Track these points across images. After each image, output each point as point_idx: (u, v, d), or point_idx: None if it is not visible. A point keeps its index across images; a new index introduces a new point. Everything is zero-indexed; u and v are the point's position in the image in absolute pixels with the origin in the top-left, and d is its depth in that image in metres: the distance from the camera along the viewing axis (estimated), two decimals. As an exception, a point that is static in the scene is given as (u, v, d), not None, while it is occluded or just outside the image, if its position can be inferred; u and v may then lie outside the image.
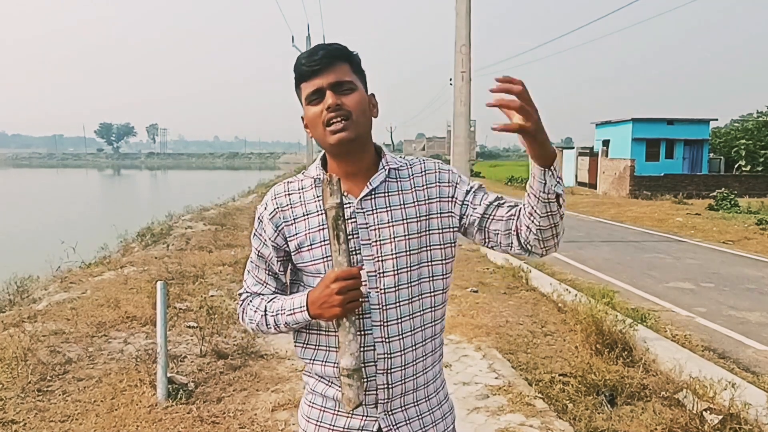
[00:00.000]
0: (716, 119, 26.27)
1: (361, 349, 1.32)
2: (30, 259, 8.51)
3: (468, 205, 1.38)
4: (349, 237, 1.29)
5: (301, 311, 1.31)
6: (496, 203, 1.38)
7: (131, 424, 3.32)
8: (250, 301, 1.44)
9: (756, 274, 8.68)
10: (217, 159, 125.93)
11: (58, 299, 6.06)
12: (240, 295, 1.49)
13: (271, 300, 1.40)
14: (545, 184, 1.21)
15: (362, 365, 1.30)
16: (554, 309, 6.11)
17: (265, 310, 1.38)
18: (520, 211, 1.33)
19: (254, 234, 1.44)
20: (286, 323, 1.35)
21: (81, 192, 38.92)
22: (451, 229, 1.39)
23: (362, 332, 1.32)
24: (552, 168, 1.20)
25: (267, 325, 1.38)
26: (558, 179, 1.22)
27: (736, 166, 27.61)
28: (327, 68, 1.30)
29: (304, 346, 1.42)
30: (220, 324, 5.03)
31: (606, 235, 13.17)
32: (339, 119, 1.28)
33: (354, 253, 1.32)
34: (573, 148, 32.91)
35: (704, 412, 3.32)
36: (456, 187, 1.40)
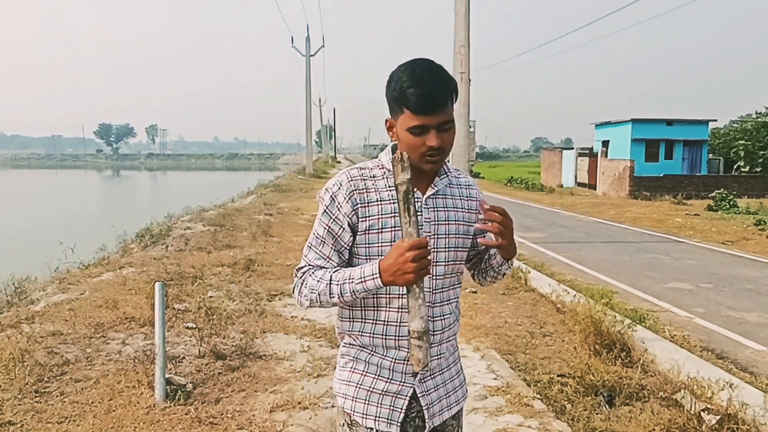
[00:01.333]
0: (715, 120, 26.35)
1: (405, 324, 1.49)
2: (28, 260, 8.50)
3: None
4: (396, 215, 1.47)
5: (373, 278, 1.40)
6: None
7: (129, 426, 3.32)
8: (312, 272, 1.50)
9: (754, 275, 8.69)
10: (216, 160, 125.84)
11: (56, 300, 6.05)
12: (298, 269, 1.54)
13: (336, 270, 1.48)
14: (502, 268, 1.63)
15: (429, 328, 1.44)
16: (553, 310, 6.11)
17: (330, 279, 1.45)
18: (482, 258, 1.71)
19: (324, 212, 1.51)
20: (353, 291, 1.43)
21: (80, 193, 38.90)
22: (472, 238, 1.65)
23: (408, 309, 1.43)
24: (510, 261, 1.60)
25: (331, 294, 1.45)
26: (510, 267, 1.62)
27: (735, 166, 27.64)
28: (440, 111, 1.41)
29: (352, 320, 1.56)
30: (219, 325, 5.03)
31: (605, 235, 13.17)
32: (436, 155, 1.45)
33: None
34: (572, 148, 32.93)
35: (702, 413, 3.32)
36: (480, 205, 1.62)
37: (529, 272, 7.64)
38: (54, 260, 7.94)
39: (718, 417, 3.25)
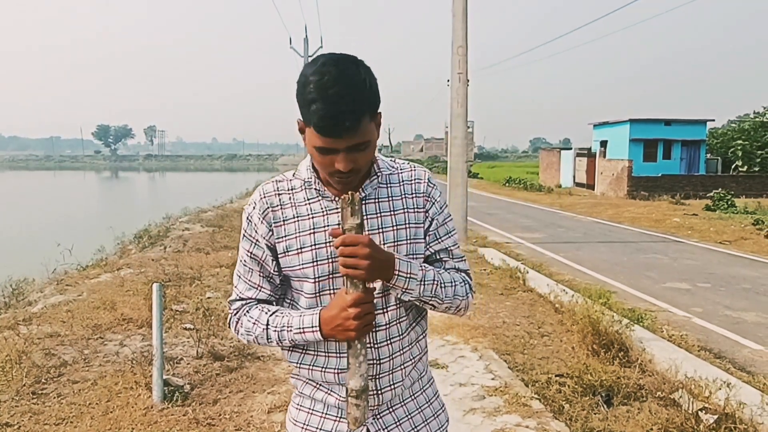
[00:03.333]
0: (713, 120, 26.39)
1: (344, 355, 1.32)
2: (26, 262, 8.49)
3: (433, 233, 1.39)
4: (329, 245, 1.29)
5: (313, 331, 1.27)
6: (440, 256, 1.40)
7: (126, 427, 3.31)
8: (247, 311, 1.36)
9: (752, 274, 8.70)
10: (215, 161, 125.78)
11: (53, 302, 6.05)
12: (231, 303, 1.40)
13: (273, 313, 1.34)
14: (403, 296, 1.29)
15: (369, 385, 1.29)
16: (551, 310, 6.11)
17: (267, 324, 1.32)
18: None
19: (243, 236, 1.38)
20: (292, 340, 1.30)
21: (78, 194, 38.87)
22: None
23: (348, 366, 1.29)
24: (391, 284, 1.27)
25: (268, 339, 1.33)
26: (403, 290, 1.27)
27: (733, 166, 27.69)
28: (350, 134, 1.18)
29: (291, 350, 1.38)
30: (217, 326, 5.02)
31: (603, 235, 13.19)
32: (348, 177, 1.25)
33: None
34: (571, 149, 32.98)
35: (700, 412, 3.32)
36: (435, 203, 1.40)
37: (528, 272, 7.64)
38: (52, 262, 7.93)
39: (715, 416, 3.26)
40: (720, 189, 20.37)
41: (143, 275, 7.09)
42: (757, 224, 13.29)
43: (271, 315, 1.33)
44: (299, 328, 1.28)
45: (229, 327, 1.43)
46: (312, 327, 1.27)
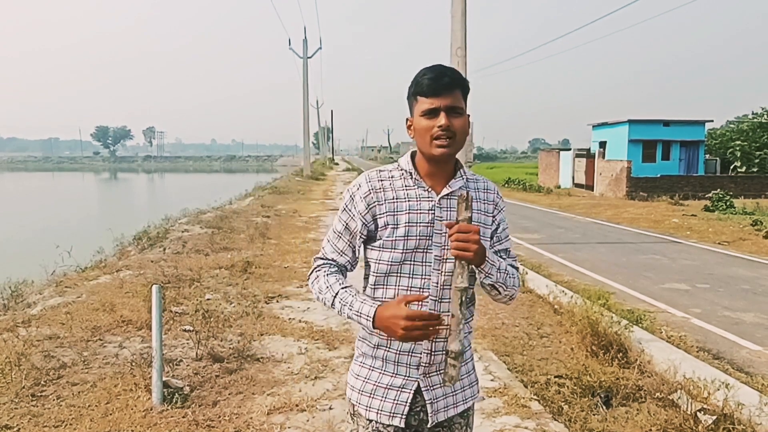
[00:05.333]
0: (712, 120, 26.40)
1: None
2: (25, 264, 8.48)
3: (498, 236, 1.70)
4: (429, 225, 1.57)
5: (367, 320, 1.52)
6: (501, 255, 1.70)
7: (126, 429, 3.31)
8: (327, 273, 1.64)
9: (751, 275, 8.71)
10: (214, 162, 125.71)
11: (52, 303, 6.04)
12: (315, 260, 1.70)
13: (345, 288, 1.60)
14: (485, 281, 1.59)
15: (466, 349, 1.58)
16: (550, 311, 6.12)
17: (336, 294, 1.59)
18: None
19: (344, 209, 1.65)
20: (349, 316, 1.56)
21: (77, 195, 38.82)
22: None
23: (419, 304, 1.55)
24: (486, 271, 1.55)
25: (333, 306, 1.60)
26: (489, 277, 1.56)
27: (731, 167, 27.71)
28: (447, 93, 1.53)
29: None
30: (216, 327, 5.02)
31: (602, 236, 13.20)
32: (446, 138, 1.54)
33: (427, 237, 1.57)
34: (570, 149, 32.98)
35: (698, 413, 3.33)
36: (501, 211, 1.71)
37: (527, 273, 7.65)
38: (51, 263, 7.92)
39: (714, 417, 3.26)
40: (719, 190, 20.38)
41: (142, 277, 7.09)
42: (755, 225, 13.30)
43: (342, 288, 1.60)
44: (358, 312, 1.54)
45: (308, 279, 1.71)
46: (368, 316, 1.51)
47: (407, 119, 1.63)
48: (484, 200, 1.68)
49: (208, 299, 6.11)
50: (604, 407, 3.73)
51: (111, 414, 3.47)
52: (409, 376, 1.60)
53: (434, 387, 1.61)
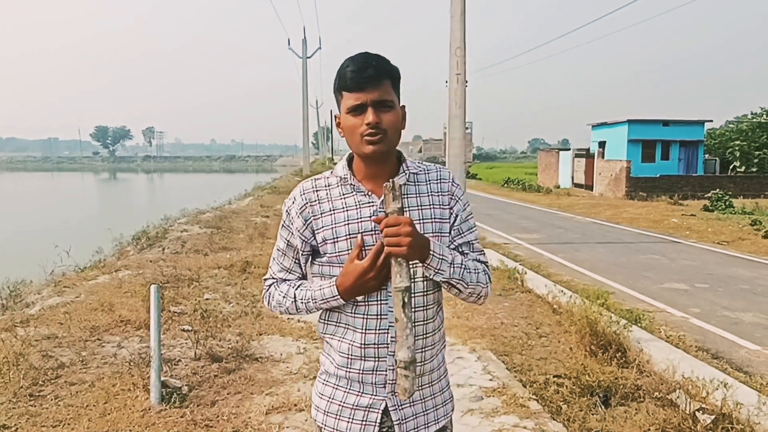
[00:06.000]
0: (711, 120, 26.43)
1: (377, 331, 1.45)
2: (24, 264, 8.48)
3: (457, 228, 1.54)
4: (373, 233, 1.44)
5: (336, 300, 1.44)
6: (462, 250, 1.55)
7: (124, 429, 3.31)
8: (277, 286, 1.57)
9: (750, 275, 8.71)
10: (213, 162, 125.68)
11: (51, 303, 6.04)
12: (265, 281, 1.62)
13: (299, 287, 1.52)
14: (435, 276, 1.44)
15: (416, 357, 1.40)
16: (549, 310, 6.11)
17: (295, 297, 1.51)
18: None
19: (283, 225, 1.56)
20: (318, 309, 1.51)
21: (76, 195, 38.81)
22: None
23: (378, 316, 1.45)
24: (433, 266, 1.42)
25: (298, 310, 1.52)
26: (436, 270, 1.42)
27: (730, 167, 27.73)
28: (373, 86, 1.40)
29: (326, 322, 1.55)
30: (215, 327, 5.02)
31: (602, 236, 13.20)
32: (376, 134, 1.40)
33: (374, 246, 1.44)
34: (569, 149, 32.99)
35: (697, 412, 3.32)
36: (459, 201, 1.56)
37: (526, 273, 7.65)
38: (49, 263, 7.92)
39: (712, 416, 3.26)
40: (718, 189, 20.40)
41: (141, 277, 7.09)
42: (754, 225, 13.31)
43: (296, 289, 1.52)
44: (323, 299, 1.46)
45: (263, 302, 1.63)
46: (333, 297, 1.44)
47: (336, 117, 1.50)
48: (438, 191, 1.53)
49: (206, 299, 6.11)
50: (603, 407, 3.73)
51: (109, 414, 3.47)
52: (376, 395, 1.48)
53: (403, 406, 1.49)
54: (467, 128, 12.43)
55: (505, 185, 32.04)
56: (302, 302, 1.50)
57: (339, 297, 1.43)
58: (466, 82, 11.12)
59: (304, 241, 1.51)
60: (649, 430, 3.35)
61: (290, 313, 1.55)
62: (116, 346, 4.71)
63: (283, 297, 1.53)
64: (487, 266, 1.56)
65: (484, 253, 1.59)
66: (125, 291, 6.32)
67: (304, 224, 1.50)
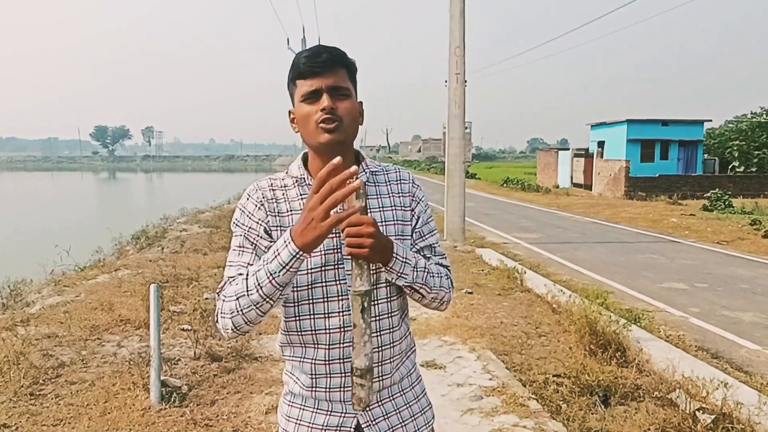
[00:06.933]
0: (710, 120, 26.43)
1: (341, 345, 1.35)
2: (24, 263, 8.48)
3: (418, 231, 1.46)
4: (335, 236, 1.32)
5: (286, 245, 1.20)
6: (424, 253, 1.46)
7: (124, 428, 3.31)
8: (230, 283, 1.32)
9: (749, 274, 8.72)
10: (212, 161, 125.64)
11: (51, 303, 6.04)
12: (218, 292, 1.35)
13: (247, 275, 1.27)
14: (398, 281, 1.34)
15: (374, 365, 1.33)
16: (549, 310, 6.12)
17: (247, 275, 1.26)
18: None
19: (236, 224, 1.39)
20: (270, 273, 1.21)
21: (76, 195, 38.79)
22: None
23: (341, 329, 1.34)
24: (389, 267, 1.31)
25: (248, 290, 1.23)
26: (399, 274, 1.32)
27: (730, 167, 27.75)
28: (327, 71, 1.33)
29: (287, 344, 1.43)
30: (214, 327, 5.01)
31: (601, 236, 13.21)
32: (332, 122, 1.32)
33: (335, 250, 1.34)
34: (568, 149, 33.00)
35: (697, 412, 3.33)
36: (420, 202, 1.48)
37: (525, 273, 7.65)
38: (49, 263, 7.92)
39: (713, 416, 3.26)
40: (717, 189, 20.41)
41: (141, 276, 7.09)
42: (754, 224, 13.32)
43: (245, 278, 1.26)
44: (274, 252, 1.22)
45: (216, 323, 1.35)
46: (285, 242, 1.21)
47: (289, 112, 1.41)
48: (399, 192, 1.45)
49: (206, 298, 6.11)
50: (603, 406, 3.73)
51: (109, 413, 3.47)
52: (346, 413, 1.38)
53: (377, 420, 1.39)
54: (466, 128, 12.44)
55: (505, 185, 32.06)
56: (253, 275, 1.24)
57: (293, 243, 1.19)
58: (466, 81, 11.13)
59: (267, 231, 1.35)
60: (648, 429, 3.35)
61: (241, 307, 1.25)
62: (116, 346, 4.72)
63: (235, 286, 1.28)
64: (449, 270, 1.49)
65: (446, 257, 1.52)
66: (125, 290, 6.32)
67: (266, 215, 1.36)
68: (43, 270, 7.79)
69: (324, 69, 1.33)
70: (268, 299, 1.24)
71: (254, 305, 1.24)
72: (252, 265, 1.32)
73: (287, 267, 1.21)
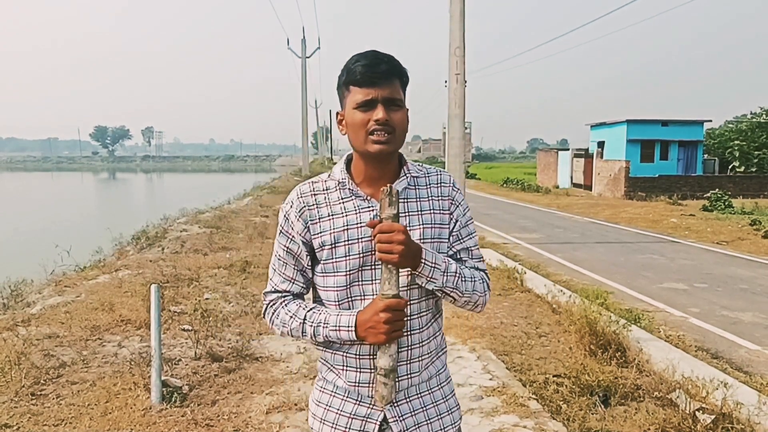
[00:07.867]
0: (710, 120, 26.43)
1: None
2: (24, 263, 8.48)
3: (456, 233, 1.50)
4: (372, 239, 1.37)
5: (348, 330, 1.36)
6: (461, 256, 1.50)
7: (125, 428, 3.32)
8: (285, 304, 1.46)
9: (749, 275, 8.73)
10: (212, 162, 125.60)
11: (52, 303, 6.04)
12: (266, 295, 1.51)
13: (311, 309, 1.44)
14: (428, 285, 1.40)
15: (401, 364, 1.40)
16: (549, 310, 6.12)
17: (305, 319, 1.42)
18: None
19: (280, 232, 1.48)
20: (327, 336, 1.40)
21: (76, 195, 38.77)
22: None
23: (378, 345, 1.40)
24: (426, 275, 1.37)
25: (304, 333, 1.42)
26: (430, 281, 1.38)
27: (730, 167, 27.76)
28: (384, 82, 1.36)
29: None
30: (215, 327, 5.02)
31: (600, 236, 13.21)
32: (384, 133, 1.36)
33: (372, 252, 1.39)
34: (568, 149, 33.01)
35: (697, 412, 3.33)
36: (459, 206, 1.51)
37: (525, 273, 7.66)
38: (50, 263, 7.92)
39: (712, 416, 3.27)
40: (717, 189, 20.41)
41: (141, 276, 7.09)
42: (754, 224, 13.33)
43: (308, 311, 1.43)
44: (335, 326, 1.38)
45: (264, 317, 1.51)
46: (348, 327, 1.36)
47: (338, 113, 1.45)
48: (438, 196, 1.48)
49: (206, 299, 6.11)
50: (603, 406, 3.74)
51: (110, 413, 3.48)
52: (374, 406, 1.43)
53: (403, 417, 1.43)
54: (466, 128, 12.44)
55: (504, 185, 32.07)
56: (311, 325, 1.41)
57: (353, 330, 1.36)
58: (466, 82, 11.14)
59: (305, 243, 1.44)
60: (648, 429, 3.36)
61: (292, 336, 1.45)
62: (117, 346, 4.72)
63: (291, 317, 1.44)
64: (485, 274, 1.51)
65: (483, 260, 1.54)
66: (125, 291, 6.32)
67: (305, 227, 1.43)
68: (44, 270, 7.79)
69: (382, 80, 1.35)
70: (315, 342, 1.46)
71: (302, 338, 1.46)
72: (295, 280, 1.48)
73: (343, 340, 1.40)
